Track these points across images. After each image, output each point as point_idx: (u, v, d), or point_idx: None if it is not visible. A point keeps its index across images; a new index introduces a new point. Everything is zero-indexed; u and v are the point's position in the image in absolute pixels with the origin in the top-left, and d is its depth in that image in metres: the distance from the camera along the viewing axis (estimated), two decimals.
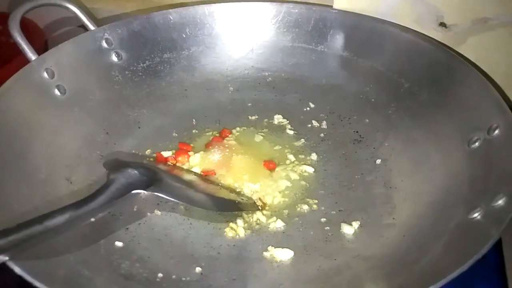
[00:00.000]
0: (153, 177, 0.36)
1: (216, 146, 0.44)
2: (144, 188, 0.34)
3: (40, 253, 0.28)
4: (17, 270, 0.25)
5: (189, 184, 0.38)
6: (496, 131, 0.34)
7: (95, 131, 0.44)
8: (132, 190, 0.33)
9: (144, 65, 0.50)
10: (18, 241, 0.26)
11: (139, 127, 0.47)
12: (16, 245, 0.26)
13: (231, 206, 0.37)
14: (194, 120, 0.48)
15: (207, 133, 0.47)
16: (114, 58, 0.48)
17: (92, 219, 0.30)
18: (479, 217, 0.30)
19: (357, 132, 0.46)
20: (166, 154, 0.44)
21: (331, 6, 0.51)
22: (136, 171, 0.35)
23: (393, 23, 0.48)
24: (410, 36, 0.46)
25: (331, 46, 0.51)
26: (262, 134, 0.46)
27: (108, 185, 0.32)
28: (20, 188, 0.34)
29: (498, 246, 0.39)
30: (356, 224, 0.36)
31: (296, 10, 0.51)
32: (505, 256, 0.38)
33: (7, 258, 0.25)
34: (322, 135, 0.46)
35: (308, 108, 0.49)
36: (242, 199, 0.38)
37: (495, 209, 0.29)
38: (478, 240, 0.27)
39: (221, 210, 0.37)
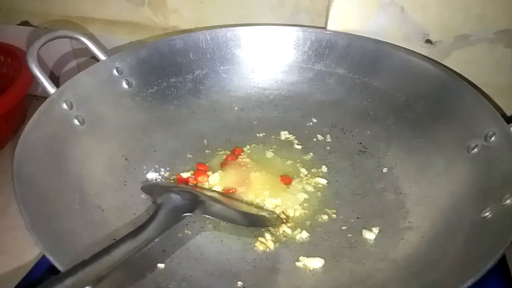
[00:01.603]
0: (195, 199, 0.38)
1: (232, 165, 0.46)
2: (191, 211, 0.36)
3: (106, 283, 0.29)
4: None
5: (222, 203, 0.40)
6: (493, 138, 0.39)
7: (115, 158, 0.45)
8: (182, 214, 0.35)
9: (153, 90, 0.52)
10: (95, 271, 0.27)
11: (154, 151, 0.48)
12: (94, 276, 0.27)
13: (261, 221, 0.40)
14: (205, 141, 0.50)
15: (220, 153, 0.49)
16: (125, 85, 0.50)
17: (149, 246, 0.32)
18: (490, 215, 0.34)
19: (360, 143, 0.49)
20: (185, 175, 0.46)
21: (325, 28, 0.55)
22: (178, 195, 0.36)
23: (385, 41, 0.52)
24: (402, 54, 0.50)
25: (328, 64, 0.54)
26: (272, 150, 0.49)
27: (158, 211, 0.34)
28: (64, 223, 0.35)
29: None
30: (376, 230, 0.40)
31: (293, 32, 0.54)
32: None
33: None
34: (328, 148, 0.49)
35: (311, 123, 0.52)
36: (269, 214, 0.41)
37: (506, 208, 0.33)
38: (497, 235, 0.31)
39: (253, 225, 0.39)
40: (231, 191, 0.43)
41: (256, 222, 0.39)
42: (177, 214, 0.35)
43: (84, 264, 0.28)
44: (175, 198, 0.36)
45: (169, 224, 0.34)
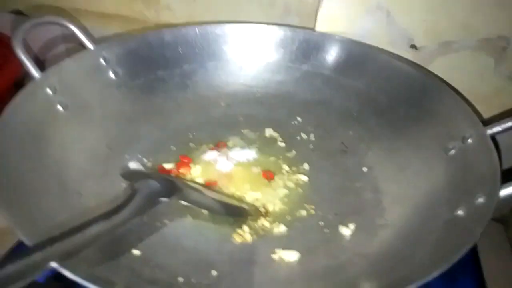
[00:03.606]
0: (172, 186, 0.38)
1: None
2: (168, 196, 0.36)
3: (77, 262, 0.29)
4: (68, 274, 0.27)
5: (201, 192, 0.40)
6: (469, 140, 0.40)
7: (98, 145, 0.45)
8: (158, 199, 0.35)
9: (140, 82, 0.52)
10: (63, 248, 0.27)
11: (138, 141, 0.48)
12: (62, 252, 0.27)
13: (239, 212, 0.40)
14: (190, 134, 0.50)
15: (204, 146, 0.49)
16: (112, 75, 0.50)
17: (123, 228, 0.32)
18: (463, 214, 0.35)
19: (342, 143, 0.50)
20: (167, 166, 0.46)
21: (314, 29, 0.55)
22: (156, 181, 0.37)
23: (370, 45, 0.53)
24: (386, 57, 0.51)
25: (314, 65, 0.55)
26: (256, 146, 0.49)
27: (134, 195, 0.34)
28: (39, 203, 0.35)
29: None
30: (352, 226, 0.40)
31: (282, 32, 0.55)
32: (479, 245, 0.43)
33: (56, 264, 0.26)
34: (311, 146, 0.50)
35: (296, 122, 0.53)
36: (248, 206, 0.41)
37: (477, 207, 0.34)
38: (467, 232, 0.31)
39: (231, 215, 0.40)
40: (212, 184, 0.44)
41: (233, 212, 0.40)
42: (154, 198, 0.35)
43: (52, 240, 0.27)
44: (153, 183, 0.36)
45: (144, 208, 0.34)
